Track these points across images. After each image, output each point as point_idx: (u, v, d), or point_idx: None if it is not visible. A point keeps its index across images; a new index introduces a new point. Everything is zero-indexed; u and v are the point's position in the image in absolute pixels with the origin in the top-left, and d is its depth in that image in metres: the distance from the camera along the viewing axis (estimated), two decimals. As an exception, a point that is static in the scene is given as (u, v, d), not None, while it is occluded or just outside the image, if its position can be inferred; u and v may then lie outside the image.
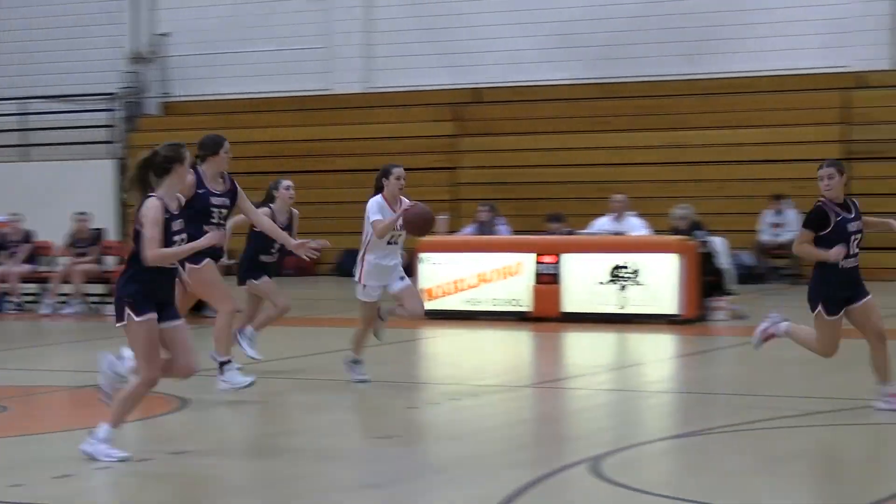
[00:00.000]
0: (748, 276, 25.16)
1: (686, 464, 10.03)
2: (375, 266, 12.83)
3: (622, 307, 19.13)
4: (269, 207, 13.96)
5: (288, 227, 13.93)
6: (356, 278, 12.95)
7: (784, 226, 26.43)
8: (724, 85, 29.17)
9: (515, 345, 17.99)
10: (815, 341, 11.38)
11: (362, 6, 32.57)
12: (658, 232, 21.28)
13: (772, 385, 13.17)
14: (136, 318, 9.36)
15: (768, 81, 28.80)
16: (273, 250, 14.09)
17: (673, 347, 17.11)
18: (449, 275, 20.23)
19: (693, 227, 20.52)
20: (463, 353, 17.61)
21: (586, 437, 10.97)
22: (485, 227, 23.00)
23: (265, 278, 14.17)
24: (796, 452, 10.02)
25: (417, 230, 12.98)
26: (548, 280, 19.59)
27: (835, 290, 11.14)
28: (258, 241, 13.93)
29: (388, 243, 12.89)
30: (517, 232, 23.68)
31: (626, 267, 19.12)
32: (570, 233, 21.58)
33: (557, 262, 19.53)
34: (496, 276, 19.99)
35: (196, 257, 11.97)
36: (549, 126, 30.08)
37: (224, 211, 12.48)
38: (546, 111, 30.41)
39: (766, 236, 26.61)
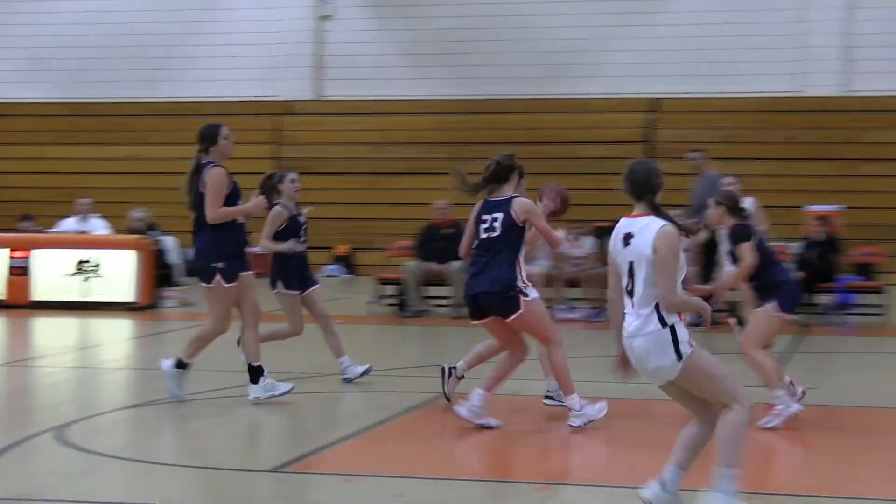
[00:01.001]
0: (193, 270, 25.20)
1: (143, 429, 9.88)
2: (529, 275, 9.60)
3: (86, 296, 18.83)
4: (280, 203, 11.56)
5: (298, 219, 11.61)
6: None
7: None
8: (177, 108, 29.07)
9: (-10, 329, 17.25)
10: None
11: None
12: (118, 231, 21.12)
13: (223, 361, 13.10)
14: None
15: (214, 106, 28.84)
16: (301, 238, 11.60)
17: (130, 330, 16.88)
18: (-71, 267, 19.26)
19: (148, 228, 20.49)
20: (-59, 336, 16.75)
21: (53, 409, 10.63)
22: (-38, 226, 22.07)
23: (295, 291, 11.56)
24: (241, 417, 10.06)
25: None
26: (19, 272, 19.06)
27: None
28: (279, 235, 11.58)
29: None
30: (-8, 230, 22.78)
31: (89, 261, 18.90)
32: (39, 231, 21.11)
33: (28, 257, 19.01)
34: (-27, 268, 19.23)
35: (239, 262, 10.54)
36: (22, 138, 29.34)
37: (241, 202, 10.54)
38: (20, 125, 29.57)
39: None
